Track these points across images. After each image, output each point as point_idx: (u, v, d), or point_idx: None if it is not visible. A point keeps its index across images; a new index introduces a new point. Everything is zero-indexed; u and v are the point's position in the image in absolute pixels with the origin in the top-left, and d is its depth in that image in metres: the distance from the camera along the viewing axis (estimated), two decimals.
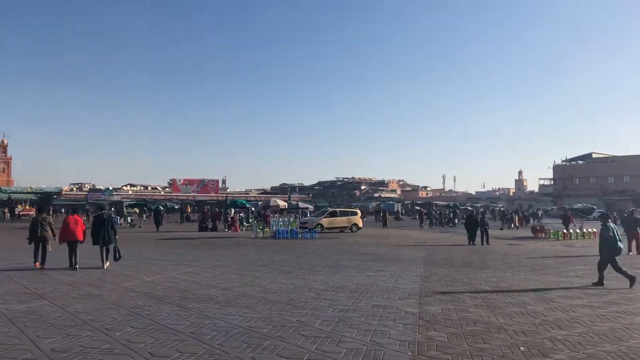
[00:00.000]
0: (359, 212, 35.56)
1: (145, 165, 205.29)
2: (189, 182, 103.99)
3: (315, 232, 27.89)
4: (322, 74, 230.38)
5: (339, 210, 34.48)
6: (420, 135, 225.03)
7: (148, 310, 7.91)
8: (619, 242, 10.91)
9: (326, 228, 31.45)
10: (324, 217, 32.38)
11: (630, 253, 17.70)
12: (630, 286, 10.46)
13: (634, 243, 18.07)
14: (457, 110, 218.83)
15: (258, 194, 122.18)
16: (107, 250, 13.48)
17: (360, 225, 33.02)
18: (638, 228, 17.92)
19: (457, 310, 8.09)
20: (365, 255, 17.81)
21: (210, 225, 34.70)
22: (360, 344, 6.03)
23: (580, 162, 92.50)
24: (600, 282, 10.89)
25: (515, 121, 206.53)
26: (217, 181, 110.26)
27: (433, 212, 51.92)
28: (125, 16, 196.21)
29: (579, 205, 37.47)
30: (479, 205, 75.46)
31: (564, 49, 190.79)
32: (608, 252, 10.87)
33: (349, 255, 17.62)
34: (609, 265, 10.90)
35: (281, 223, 30.16)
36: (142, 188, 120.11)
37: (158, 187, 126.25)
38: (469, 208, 56.51)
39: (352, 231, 31.76)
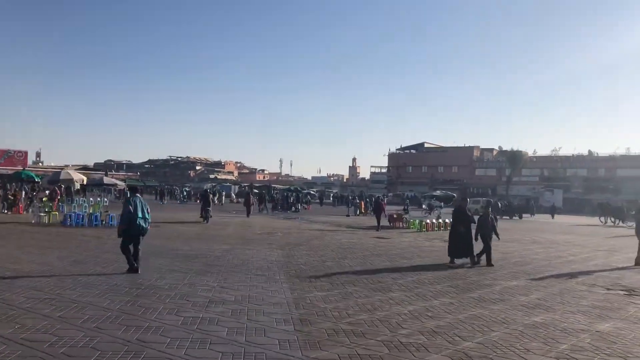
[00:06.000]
0: None
1: None
2: None
3: None
4: (156, 46, 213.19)
5: None
6: (258, 118, 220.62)
7: None
8: (139, 220, 9.19)
9: None
10: None
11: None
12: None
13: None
14: (296, 97, 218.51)
15: (77, 169, 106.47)
16: None
17: None
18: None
19: None
20: (191, 260, 11.43)
21: None
22: None
23: (413, 151, 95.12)
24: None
25: (350, 111, 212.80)
26: (26, 153, 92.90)
27: (275, 196, 47.72)
28: None
29: (439, 192, 35.05)
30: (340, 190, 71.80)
31: (401, 46, 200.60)
32: (124, 230, 9.25)
33: (166, 260, 11.19)
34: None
35: (75, 204, 21.30)
36: None
37: None
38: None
39: None
